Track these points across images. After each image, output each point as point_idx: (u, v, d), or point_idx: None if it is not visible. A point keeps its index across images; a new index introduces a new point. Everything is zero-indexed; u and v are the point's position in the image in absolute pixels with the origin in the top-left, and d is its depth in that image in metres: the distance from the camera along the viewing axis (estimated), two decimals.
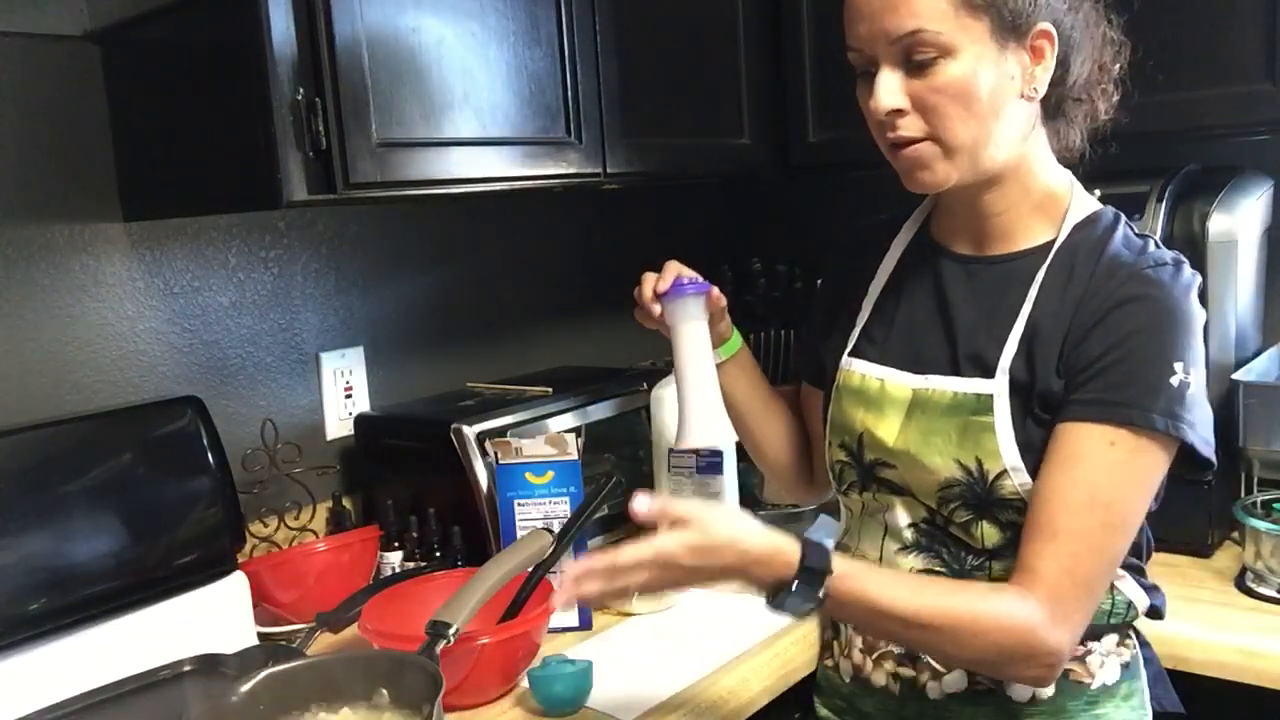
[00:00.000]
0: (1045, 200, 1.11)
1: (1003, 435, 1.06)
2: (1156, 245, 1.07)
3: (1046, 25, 1.04)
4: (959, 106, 1.03)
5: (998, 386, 1.06)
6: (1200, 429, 1.02)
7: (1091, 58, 1.09)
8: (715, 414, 1.23)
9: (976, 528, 1.09)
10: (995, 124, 1.05)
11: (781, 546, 1.00)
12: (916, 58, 1.02)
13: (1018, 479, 1.06)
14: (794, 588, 0.99)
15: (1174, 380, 1.00)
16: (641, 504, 1.00)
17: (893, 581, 1.06)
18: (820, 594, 0.99)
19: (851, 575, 1.01)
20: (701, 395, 1.22)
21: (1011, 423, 1.06)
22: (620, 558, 0.99)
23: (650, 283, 1.22)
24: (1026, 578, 1.02)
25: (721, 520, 1.00)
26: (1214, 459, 1.04)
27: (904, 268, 1.21)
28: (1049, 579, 1.01)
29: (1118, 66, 1.11)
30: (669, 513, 1.00)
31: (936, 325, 1.14)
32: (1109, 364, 1.01)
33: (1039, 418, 1.05)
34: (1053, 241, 1.09)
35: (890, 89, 1.03)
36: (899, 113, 1.04)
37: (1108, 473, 1.01)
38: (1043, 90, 1.06)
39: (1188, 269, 1.05)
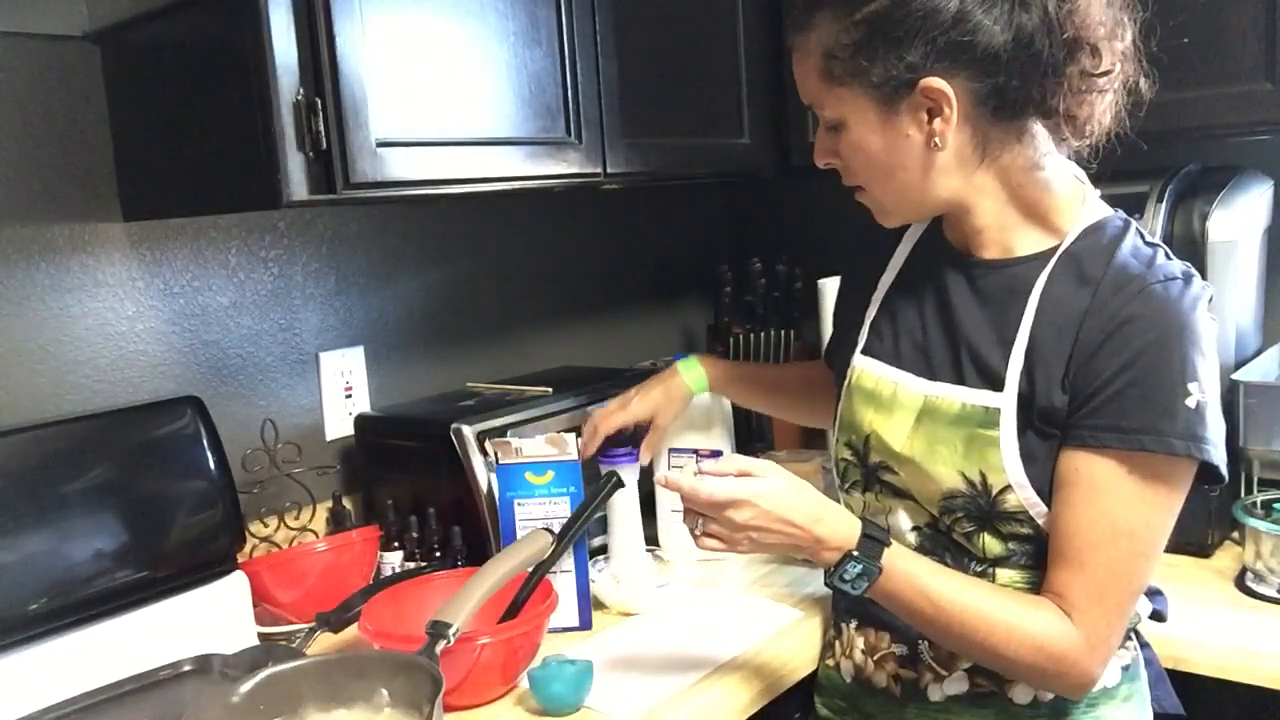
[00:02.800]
0: (1034, 210, 1.08)
1: (1007, 451, 1.05)
2: (1168, 256, 1.05)
3: (934, 82, 1.00)
4: (865, 167, 1.09)
5: (1006, 401, 1.05)
6: (1221, 447, 1.01)
7: (1050, 66, 1.01)
8: (638, 568, 1.53)
9: (978, 539, 1.09)
10: (909, 176, 1.07)
11: (848, 519, 1.07)
12: (827, 125, 1.10)
13: (1022, 494, 1.05)
14: (855, 554, 1.05)
15: (1190, 402, 0.98)
16: (709, 465, 1.08)
17: (942, 570, 1.08)
18: (879, 565, 1.05)
19: (907, 554, 1.07)
20: (625, 545, 1.52)
21: (1016, 437, 1.05)
22: (708, 491, 1.04)
23: (596, 436, 1.51)
24: (1060, 603, 1.04)
25: (801, 496, 1.07)
26: (1227, 475, 1.03)
27: (914, 263, 1.21)
28: (1081, 608, 1.02)
29: (1111, 63, 1.03)
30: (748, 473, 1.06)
31: (943, 330, 1.13)
32: (1120, 387, 1.00)
33: (1040, 430, 1.04)
34: (1056, 247, 1.07)
35: (820, 148, 1.13)
36: (830, 166, 1.13)
37: (1127, 502, 1.01)
38: (946, 143, 1.03)
39: (1198, 282, 1.03)
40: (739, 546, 1.07)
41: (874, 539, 1.06)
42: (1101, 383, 1.01)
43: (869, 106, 1.04)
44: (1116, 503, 1.01)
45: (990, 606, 1.04)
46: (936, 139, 1.03)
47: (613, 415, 1.53)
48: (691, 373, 1.55)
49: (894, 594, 1.06)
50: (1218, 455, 1.01)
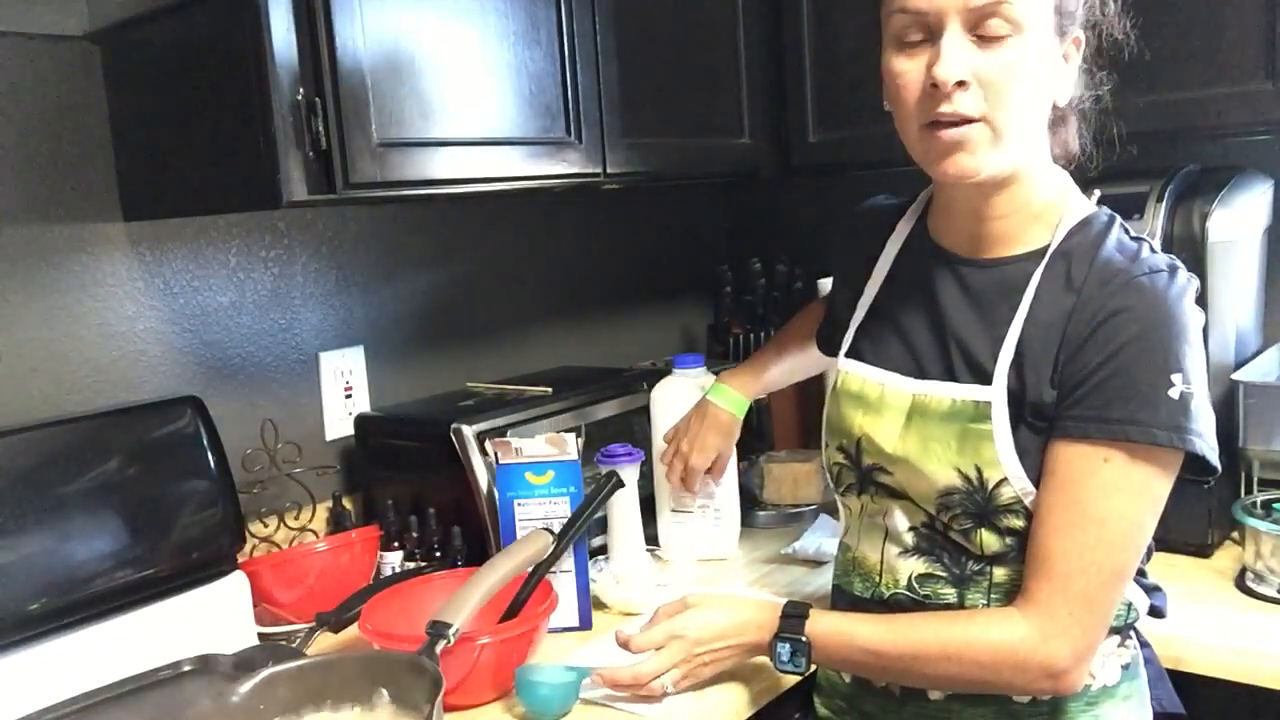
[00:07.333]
0: (1044, 205, 1.09)
1: (1001, 443, 1.05)
2: (1152, 249, 1.06)
3: (1079, 33, 1.06)
4: (1021, 87, 1.01)
5: (995, 394, 1.05)
6: (1208, 438, 1.01)
7: (1083, 70, 1.11)
8: (638, 568, 1.53)
9: (976, 535, 1.09)
10: (1035, 116, 1.06)
11: (768, 609, 1.18)
12: (989, 31, 0.98)
13: (1018, 485, 1.05)
14: (781, 636, 1.15)
15: (1173, 393, 0.98)
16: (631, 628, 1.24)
17: (868, 619, 1.14)
18: (804, 637, 1.13)
19: (829, 616, 1.16)
20: (625, 545, 1.54)
21: (1010, 431, 1.05)
22: (638, 643, 1.21)
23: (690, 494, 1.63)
24: (1019, 599, 1.05)
25: (718, 612, 1.21)
26: (1219, 465, 1.03)
27: (900, 266, 1.20)
28: (1038, 599, 1.03)
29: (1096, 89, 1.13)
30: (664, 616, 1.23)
31: (932, 330, 1.13)
32: (1104, 378, 1.00)
33: (1033, 425, 1.05)
34: (1047, 246, 1.08)
35: (959, 59, 0.98)
36: (962, 85, 0.99)
37: (1102, 490, 1.01)
38: (1065, 95, 1.07)
39: (1183, 274, 1.03)
40: (703, 672, 1.21)
41: (792, 615, 1.15)
42: (1087, 374, 1.01)
43: (1050, 29, 1.03)
44: (1090, 490, 1.01)
45: (924, 635, 1.08)
46: (1062, 89, 1.07)
47: (691, 480, 1.59)
48: (728, 400, 1.55)
49: (832, 656, 1.15)
50: (1203, 446, 1.00)
